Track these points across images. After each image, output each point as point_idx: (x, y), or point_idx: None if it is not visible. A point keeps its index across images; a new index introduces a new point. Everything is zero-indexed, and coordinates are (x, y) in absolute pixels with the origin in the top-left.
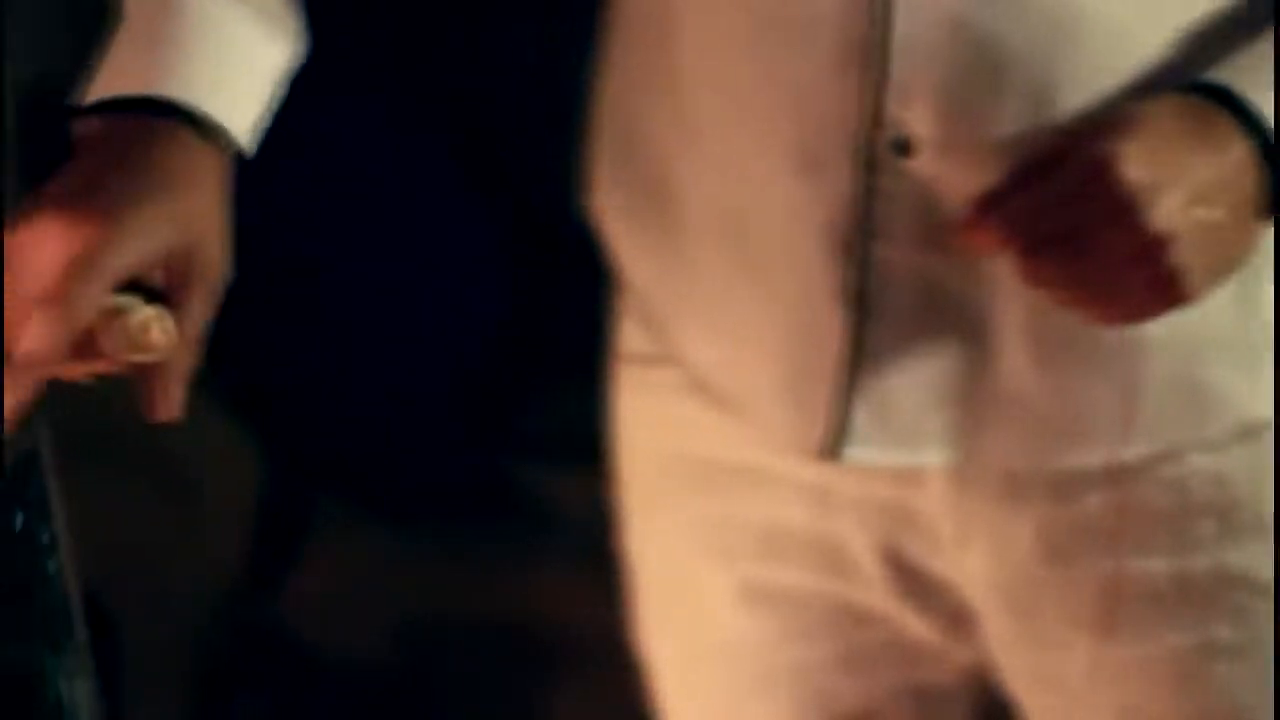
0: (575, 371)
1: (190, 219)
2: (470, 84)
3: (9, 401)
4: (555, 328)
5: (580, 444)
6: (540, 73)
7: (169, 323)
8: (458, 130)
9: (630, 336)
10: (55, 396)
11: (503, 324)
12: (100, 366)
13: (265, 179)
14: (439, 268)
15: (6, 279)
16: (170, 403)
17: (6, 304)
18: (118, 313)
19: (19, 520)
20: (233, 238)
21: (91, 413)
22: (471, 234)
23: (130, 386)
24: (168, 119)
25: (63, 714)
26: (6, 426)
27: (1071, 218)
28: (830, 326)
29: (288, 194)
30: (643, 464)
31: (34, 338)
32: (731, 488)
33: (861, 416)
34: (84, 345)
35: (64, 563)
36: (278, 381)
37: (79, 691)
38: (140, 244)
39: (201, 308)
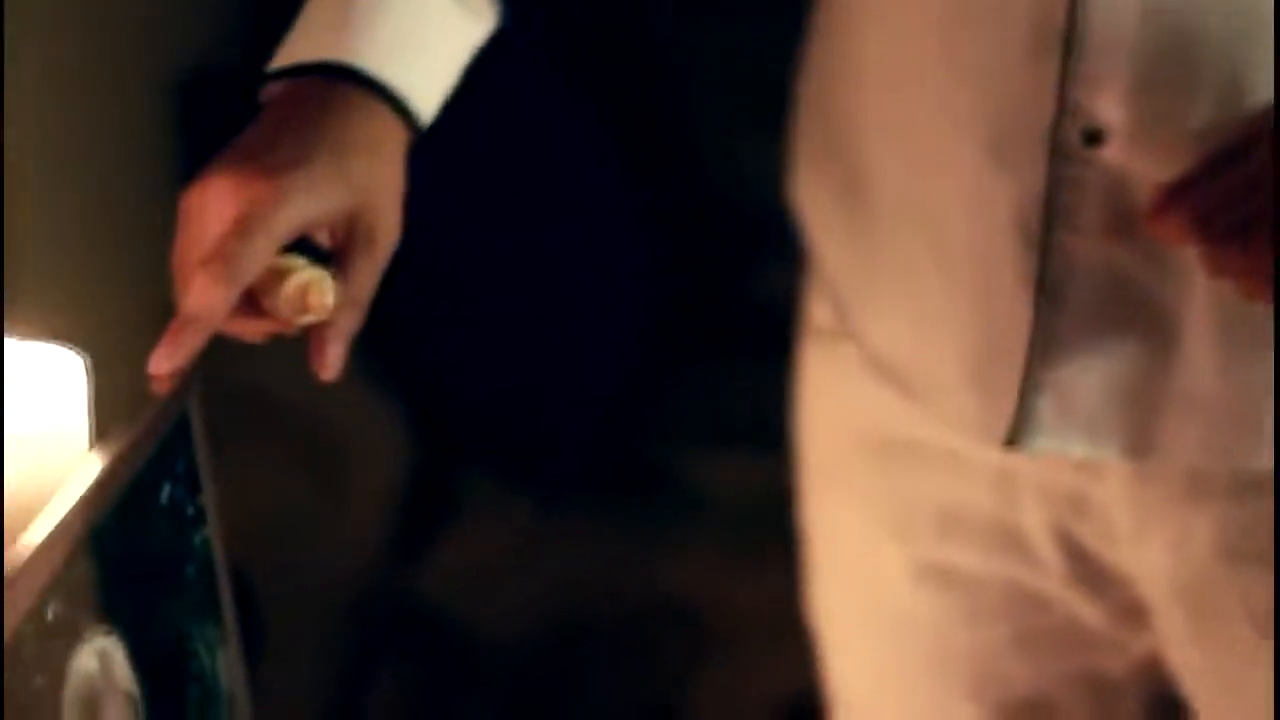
0: (727, 355)
1: (363, 184)
2: (644, 68)
3: (170, 357)
4: (709, 312)
5: (730, 427)
6: (723, 59)
7: (332, 285)
8: (622, 109)
9: (820, 311)
10: (206, 370)
11: (657, 306)
12: (265, 327)
13: (426, 150)
14: (595, 247)
15: (180, 238)
16: (331, 363)
17: (178, 263)
18: (283, 273)
19: (166, 493)
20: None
21: (241, 387)
22: (629, 215)
23: (280, 361)
24: (351, 85)
25: (207, 684)
26: (163, 384)
27: (1258, 208)
28: (1016, 315)
29: (447, 168)
30: (826, 438)
31: (196, 294)
32: (913, 467)
33: (1045, 406)
34: (249, 305)
35: (210, 535)
36: (428, 356)
37: (224, 662)
38: (307, 204)
39: (368, 272)
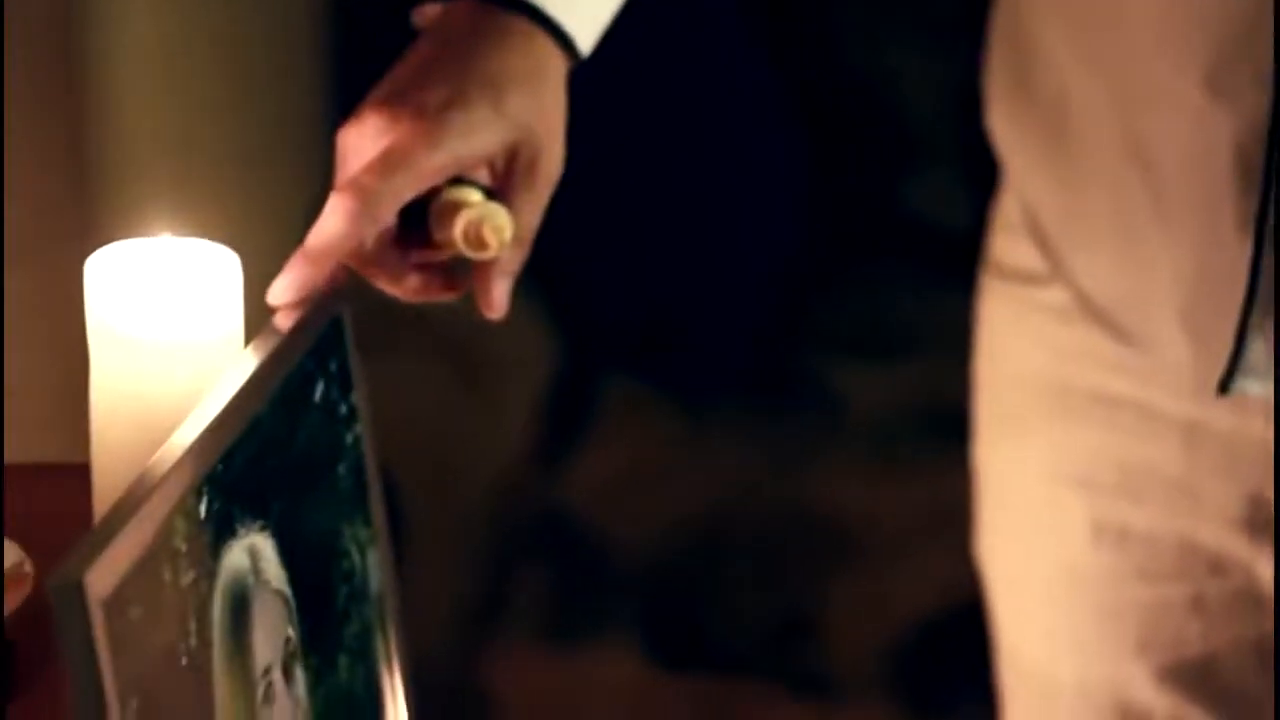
0: (874, 264)
1: (521, 118)
2: None
3: (289, 289)
4: (857, 220)
5: (875, 336)
6: None
7: (508, 220)
8: (774, 19)
9: (1012, 250)
10: (354, 281)
11: (804, 214)
12: (435, 255)
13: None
14: (743, 154)
15: (337, 179)
16: (497, 301)
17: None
18: (457, 206)
19: (320, 391)
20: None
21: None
22: (779, 123)
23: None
24: (508, 11)
25: (357, 584)
26: (291, 302)
27: None
28: (1236, 259)
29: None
30: (1009, 382)
31: (323, 227)
32: (1100, 418)
33: (1256, 349)
34: (404, 248)
35: (362, 434)
36: (576, 262)
37: (374, 562)
38: (461, 146)
39: (532, 207)
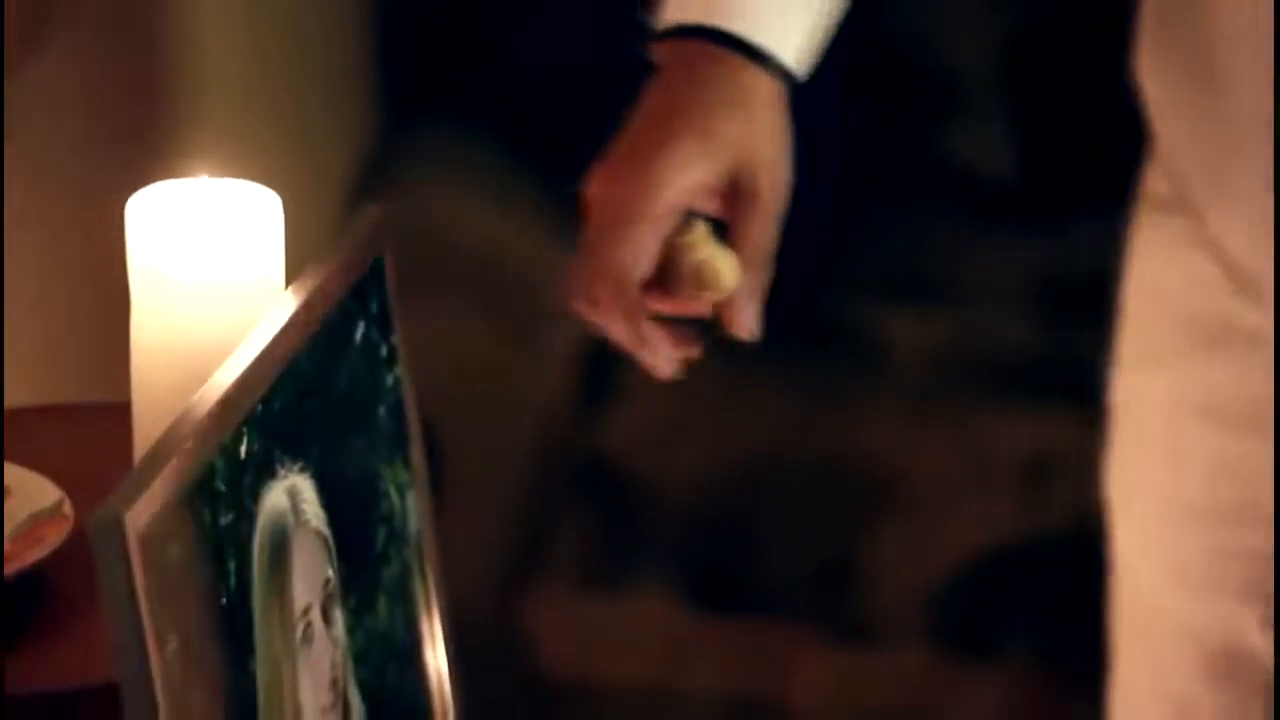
0: (915, 212)
1: (736, 145)
2: None
3: (654, 355)
4: (897, 168)
5: (916, 283)
6: None
7: (729, 261)
8: None
9: (1159, 181)
10: (399, 224)
11: (844, 162)
12: (672, 305)
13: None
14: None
15: (586, 222)
16: (743, 324)
17: (582, 254)
18: (680, 252)
19: (360, 332)
20: (574, 64)
21: (432, 240)
22: (819, 71)
23: (470, 215)
24: (720, 47)
25: (396, 525)
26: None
27: None
28: None
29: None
30: (1150, 312)
31: (608, 325)
32: (1231, 351)
33: None
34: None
35: (401, 376)
36: None
37: (413, 504)
38: (676, 183)
39: (758, 230)
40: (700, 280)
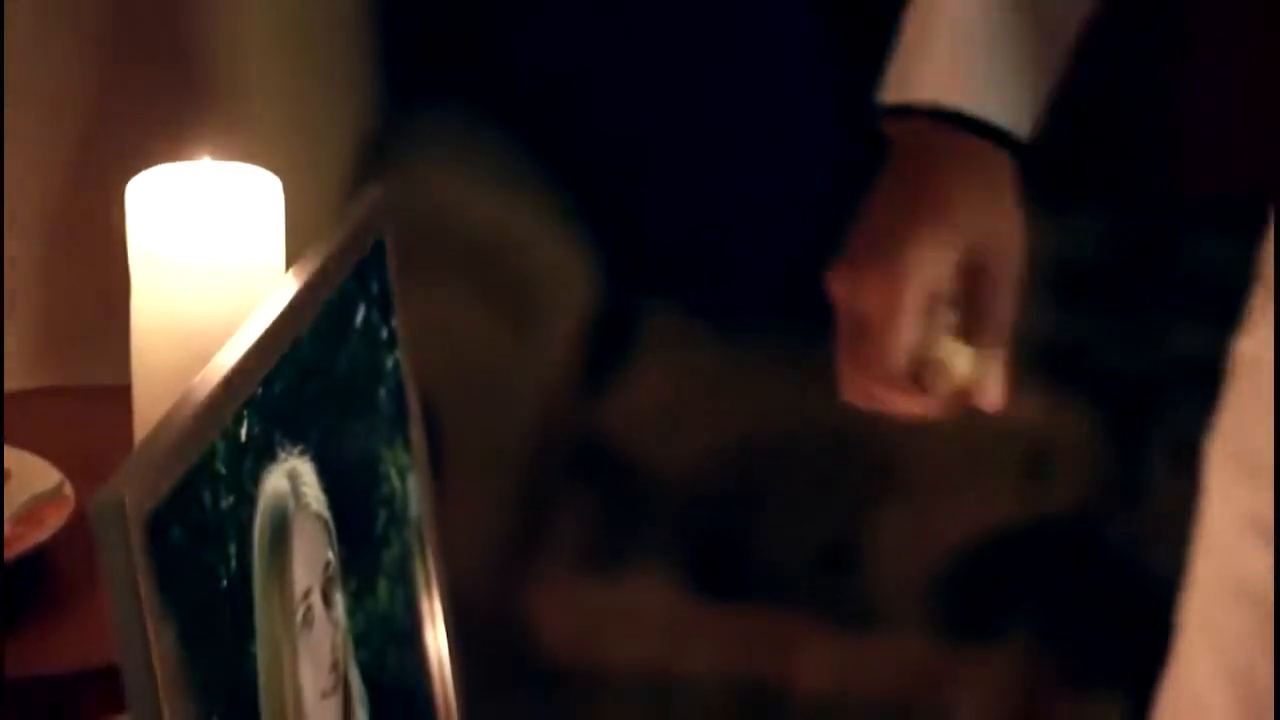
0: None
1: (976, 226)
2: None
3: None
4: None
5: None
6: None
7: (966, 354)
8: None
9: None
10: (398, 206)
11: (843, 139)
12: (922, 405)
13: None
14: (783, 81)
15: (839, 329)
16: (991, 401)
17: (841, 349)
18: (926, 351)
19: (361, 315)
20: (574, 49)
21: (431, 222)
22: (816, 48)
23: (470, 197)
24: (959, 129)
25: (396, 509)
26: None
27: None
28: None
29: (644, 11)
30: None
31: (862, 387)
32: None
33: None
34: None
35: (402, 359)
36: (618, 191)
37: (414, 488)
38: (921, 276)
39: (1003, 307)
40: (948, 381)
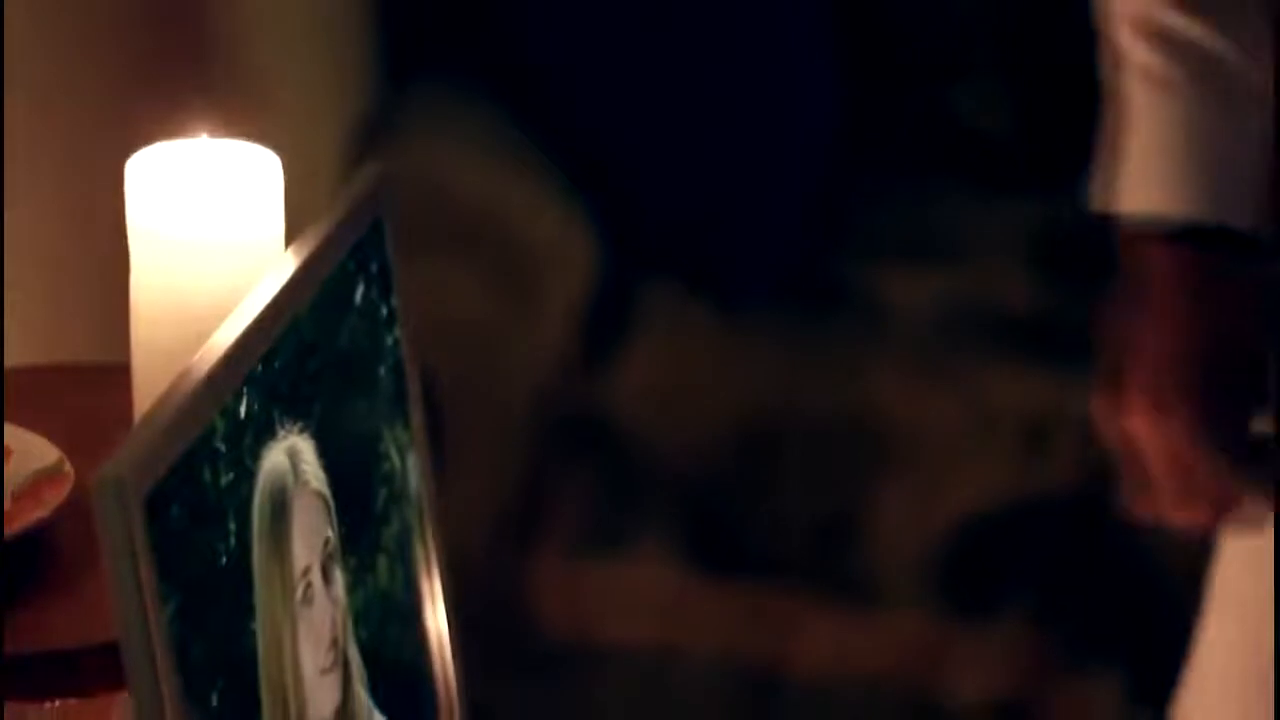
0: (916, 170)
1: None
2: None
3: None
4: (899, 126)
5: (917, 242)
6: None
7: None
8: None
9: None
10: (399, 181)
11: (844, 120)
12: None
13: None
14: (784, 59)
15: (1125, 461)
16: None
17: (1129, 477)
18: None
19: (360, 292)
20: (573, 25)
21: (431, 198)
22: (819, 25)
23: (471, 172)
24: (1198, 248)
25: (396, 486)
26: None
27: None
28: None
29: None
30: None
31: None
32: None
33: None
34: None
35: (402, 337)
36: (618, 169)
37: (413, 465)
38: (1235, 404)
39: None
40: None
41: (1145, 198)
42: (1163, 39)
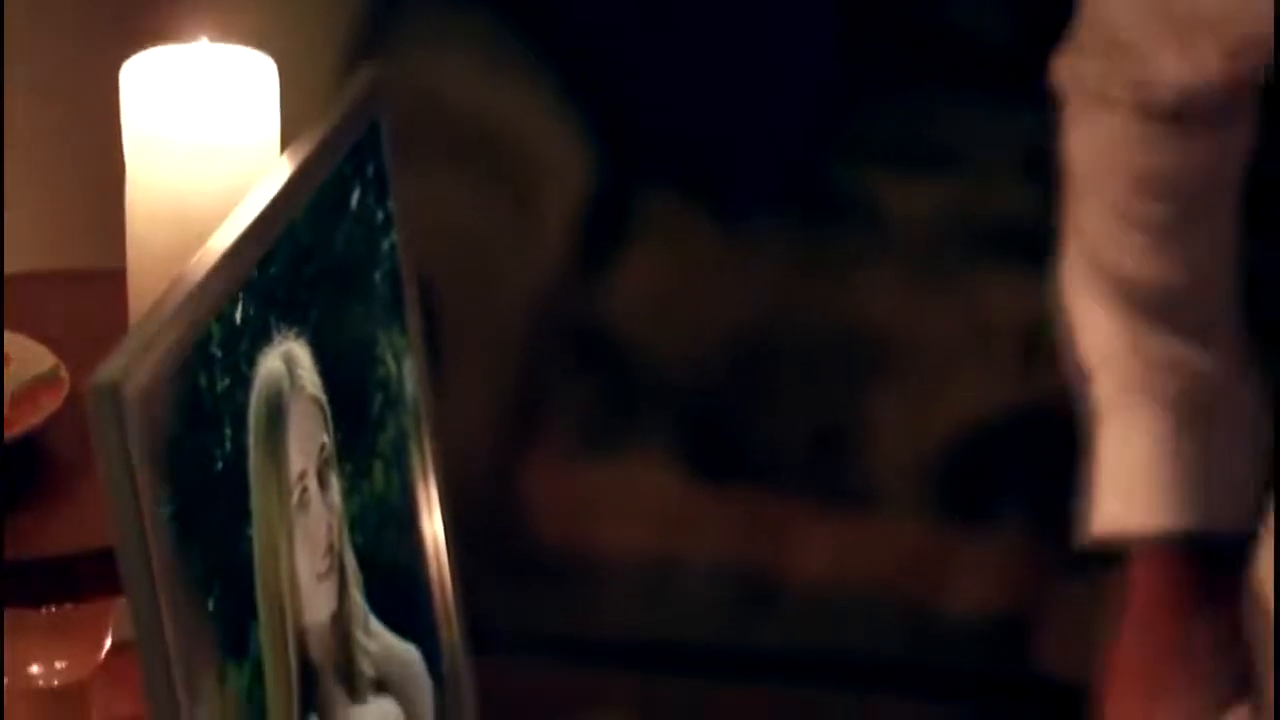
0: (916, 79)
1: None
2: None
3: None
4: (900, 36)
5: (916, 151)
6: None
7: None
8: None
9: None
10: (396, 88)
11: (846, 28)
12: None
13: None
14: None
15: None
16: None
17: None
18: None
19: (356, 197)
20: None
21: (428, 104)
22: None
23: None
24: (1189, 561)
25: (392, 391)
26: None
27: None
28: None
29: None
30: None
31: None
32: None
33: None
34: None
35: (398, 241)
36: (617, 74)
37: (409, 370)
38: (1216, 694)
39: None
40: None
41: (1114, 516)
42: (1140, 360)
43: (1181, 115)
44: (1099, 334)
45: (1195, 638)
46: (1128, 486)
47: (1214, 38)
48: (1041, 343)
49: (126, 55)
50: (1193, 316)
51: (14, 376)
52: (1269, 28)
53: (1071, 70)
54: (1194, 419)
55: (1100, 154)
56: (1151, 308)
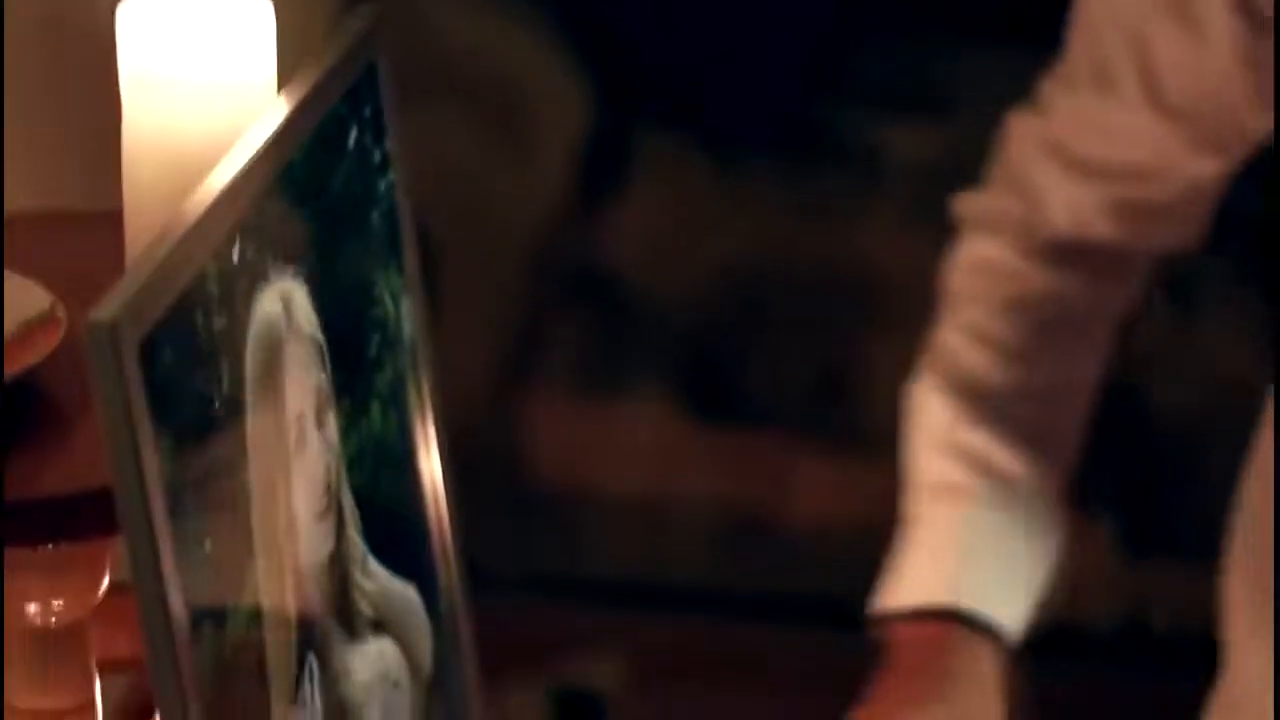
0: (912, 24)
1: (974, 707)
2: None
3: None
4: None
5: (912, 94)
6: None
7: None
8: None
9: None
10: (394, 28)
11: None
12: None
13: None
14: None
15: None
16: None
17: None
18: None
19: (353, 137)
20: None
21: (427, 44)
22: None
23: (466, 19)
24: (957, 624)
25: (390, 331)
26: None
27: None
28: None
29: None
30: None
31: None
32: None
33: None
34: None
35: (396, 181)
36: (615, 14)
37: (407, 310)
38: None
39: None
40: None
41: (904, 591)
42: (960, 454)
43: (1060, 260)
44: (930, 416)
45: (948, 694)
46: (928, 562)
47: (1100, 191)
48: None
49: None
50: (1025, 427)
51: (7, 315)
52: (1155, 194)
53: (972, 203)
54: (993, 512)
55: (973, 274)
56: (981, 404)
